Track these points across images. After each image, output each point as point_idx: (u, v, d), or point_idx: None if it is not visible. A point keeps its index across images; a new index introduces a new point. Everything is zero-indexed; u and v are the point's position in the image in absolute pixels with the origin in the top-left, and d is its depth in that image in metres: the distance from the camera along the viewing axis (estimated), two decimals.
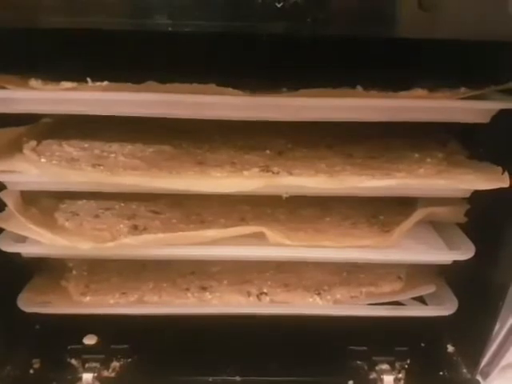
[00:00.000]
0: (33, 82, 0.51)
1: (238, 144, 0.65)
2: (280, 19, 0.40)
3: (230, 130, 0.65)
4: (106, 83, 0.50)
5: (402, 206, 0.66)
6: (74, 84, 0.49)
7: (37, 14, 0.40)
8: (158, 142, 0.64)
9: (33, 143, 0.59)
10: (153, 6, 0.40)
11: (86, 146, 0.62)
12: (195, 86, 0.49)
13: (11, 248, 0.57)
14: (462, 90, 0.53)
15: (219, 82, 0.49)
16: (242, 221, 0.64)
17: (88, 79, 0.49)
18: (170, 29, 0.40)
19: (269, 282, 0.67)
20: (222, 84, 0.49)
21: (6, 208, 0.57)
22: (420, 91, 0.51)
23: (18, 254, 0.59)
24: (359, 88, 0.52)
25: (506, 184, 0.52)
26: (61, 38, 0.44)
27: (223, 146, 0.65)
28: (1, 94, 0.50)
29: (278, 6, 0.40)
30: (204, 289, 0.66)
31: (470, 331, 0.65)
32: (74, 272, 0.68)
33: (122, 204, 0.67)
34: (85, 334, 0.65)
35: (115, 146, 0.62)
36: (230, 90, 0.49)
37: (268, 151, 0.64)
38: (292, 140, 0.66)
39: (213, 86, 0.49)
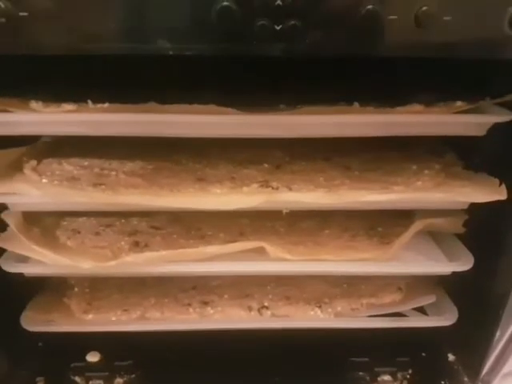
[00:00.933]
0: (33, 104, 0.51)
1: (237, 158, 0.65)
2: (279, 41, 0.41)
3: (228, 144, 0.66)
4: (106, 105, 0.50)
5: (400, 216, 0.67)
6: (75, 106, 0.50)
7: (39, 40, 0.41)
8: (157, 158, 0.64)
9: (33, 163, 0.59)
10: (154, 31, 0.41)
11: (86, 164, 0.62)
12: (195, 106, 0.50)
13: (14, 268, 0.58)
14: (458, 103, 0.54)
15: (219, 101, 0.50)
16: (242, 235, 0.64)
17: (89, 101, 0.50)
18: (170, 52, 0.41)
19: (269, 296, 0.67)
20: (222, 103, 0.50)
21: (8, 228, 0.57)
22: (416, 106, 0.52)
23: (20, 273, 0.59)
24: (356, 105, 0.53)
25: (503, 196, 0.53)
26: (61, 60, 0.44)
27: (222, 160, 0.65)
28: (3, 117, 0.50)
29: (277, 28, 0.40)
30: (205, 303, 0.66)
31: (470, 340, 0.66)
32: (76, 289, 0.68)
33: (123, 220, 0.67)
34: (88, 352, 0.66)
35: (115, 164, 0.63)
36: (230, 109, 0.50)
37: (266, 165, 0.64)
38: (289, 153, 0.67)
39: (213, 107, 0.50)
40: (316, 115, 0.52)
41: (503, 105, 0.54)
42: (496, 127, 0.54)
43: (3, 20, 0.39)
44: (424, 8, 0.41)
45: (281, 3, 0.40)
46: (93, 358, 0.65)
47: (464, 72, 0.54)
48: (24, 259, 0.59)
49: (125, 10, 0.40)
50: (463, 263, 0.60)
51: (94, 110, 0.50)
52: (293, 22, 0.40)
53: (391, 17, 0.41)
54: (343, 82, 0.54)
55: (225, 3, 0.39)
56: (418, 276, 0.68)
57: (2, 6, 0.38)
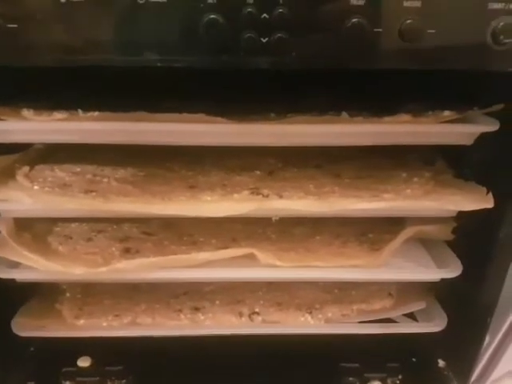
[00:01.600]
0: (25, 112, 0.52)
1: (229, 165, 0.66)
2: (265, 54, 0.42)
3: (221, 151, 0.66)
4: (97, 113, 0.51)
5: (390, 223, 0.67)
6: (66, 114, 0.50)
7: (28, 51, 0.41)
8: (150, 164, 0.65)
9: (25, 169, 0.59)
10: (143, 44, 0.41)
11: (78, 170, 0.63)
12: (185, 115, 0.50)
13: (5, 274, 0.58)
14: (446, 113, 0.54)
15: (208, 110, 0.51)
16: (234, 241, 0.65)
17: (79, 110, 0.50)
18: (159, 64, 0.41)
19: (261, 302, 0.68)
20: (212, 112, 0.51)
21: (0, 234, 0.57)
22: (404, 116, 0.53)
23: (12, 279, 0.60)
24: (345, 114, 0.53)
25: (490, 205, 0.54)
26: (52, 69, 0.44)
27: (214, 167, 0.65)
28: None
29: (263, 40, 0.41)
30: (197, 309, 0.67)
31: (460, 346, 0.66)
32: (68, 294, 0.69)
33: (115, 226, 0.68)
34: (79, 357, 0.66)
35: (107, 170, 0.63)
36: (219, 118, 0.50)
37: (258, 172, 0.65)
38: (281, 159, 0.67)
39: (202, 116, 0.50)
40: (306, 124, 0.52)
41: (491, 114, 0.54)
42: (484, 136, 0.55)
43: None
44: (408, 21, 0.41)
45: (267, 16, 0.40)
46: (84, 363, 0.65)
47: (451, 82, 0.54)
48: (16, 265, 0.59)
49: (114, 23, 0.41)
50: (452, 270, 0.61)
51: (85, 119, 0.51)
52: (279, 35, 0.41)
53: (376, 29, 0.41)
54: (331, 91, 0.54)
55: (212, 16, 0.40)
56: (408, 282, 0.69)
57: None
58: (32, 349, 0.68)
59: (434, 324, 0.66)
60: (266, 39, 0.41)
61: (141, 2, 0.39)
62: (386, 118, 0.53)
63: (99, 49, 0.41)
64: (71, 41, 0.41)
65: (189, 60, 0.42)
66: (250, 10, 0.40)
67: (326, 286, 0.71)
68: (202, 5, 0.40)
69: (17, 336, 0.63)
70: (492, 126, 0.53)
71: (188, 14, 0.40)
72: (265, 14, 0.40)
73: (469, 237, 0.62)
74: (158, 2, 0.40)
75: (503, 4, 0.41)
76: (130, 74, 0.45)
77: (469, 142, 0.56)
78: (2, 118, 0.51)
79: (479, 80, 0.52)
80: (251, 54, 0.41)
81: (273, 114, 0.56)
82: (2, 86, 0.50)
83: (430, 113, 0.54)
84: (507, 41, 0.42)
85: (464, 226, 0.62)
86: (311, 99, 0.55)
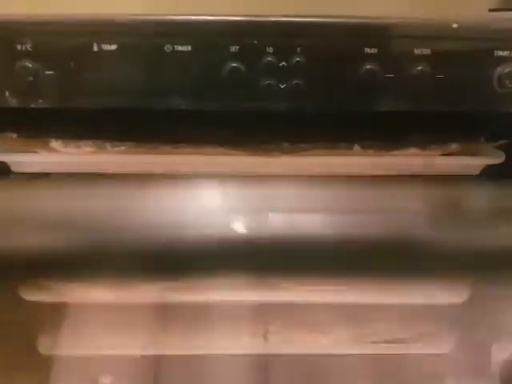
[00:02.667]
0: (53, 143, 0.55)
1: None
2: (283, 99, 0.45)
3: None
4: (123, 148, 0.54)
5: None
6: (94, 148, 0.53)
7: (62, 95, 0.45)
8: None
9: None
10: (169, 88, 0.44)
11: None
12: (206, 149, 0.53)
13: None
14: (453, 146, 0.56)
15: (227, 140, 0.54)
16: None
17: (107, 145, 0.53)
18: (183, 107, 0.44)
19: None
20: (231, 143, 0.53)
21: None
22: (413, 150, 0.55)
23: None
24: (356, 147, 0.56)
25: None
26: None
27: None
28: (27, 157, 0.54)
29: (281, 87, 0.44)
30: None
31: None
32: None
33: None
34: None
35: None
36: (236, 151, 0.53)
37: None
38: None
39: (221, 149, 0.53)
40: (322, 156, 0.55)
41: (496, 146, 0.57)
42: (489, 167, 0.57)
43: (31, 78, 0.42)
44: (419, 68, 0.44)
45: (285, 64, 0.43)
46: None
47: (459, 116, 0.57)
48: None
49: (141, 70, 0.44)
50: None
51: (112, 152, 0.54)
52: (296, 82, 0.44)
53: (388, 75, 0.44)
54: (344, 125, 0.57)
55: (234, 64, 0.43)
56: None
57: (31, 66, 0.42)
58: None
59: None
60: (284, 85, 0.44)
61: (167, 50, 0.42)
62: (396, 152, 0.55)
63: (128, 93, 0.44)
64: (103, 86, 0.44)
65: (211, 104, 0.45)
66: (269, 58, 0.43)
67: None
68: (224, 54, 0.43)
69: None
70: (497, 159, 0.55)
71: (212, 62, 0.43)
72: (283, 63, 0.43)
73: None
74: (184, 51, 0.43)
75: (508, 52, 0.44)
76: (156, 114, 0.48)
77: (475, 172, 0.58)
78: (33, 150, 0.54)
79: (485, 116, 0.55)
80: (270, 99, 0.44)
81: (286, 144, 0.58)
82: (33, 121, 0.53)
83: (439, 145, 0.57)
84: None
85: None
86: (322, 129, 0.57)
